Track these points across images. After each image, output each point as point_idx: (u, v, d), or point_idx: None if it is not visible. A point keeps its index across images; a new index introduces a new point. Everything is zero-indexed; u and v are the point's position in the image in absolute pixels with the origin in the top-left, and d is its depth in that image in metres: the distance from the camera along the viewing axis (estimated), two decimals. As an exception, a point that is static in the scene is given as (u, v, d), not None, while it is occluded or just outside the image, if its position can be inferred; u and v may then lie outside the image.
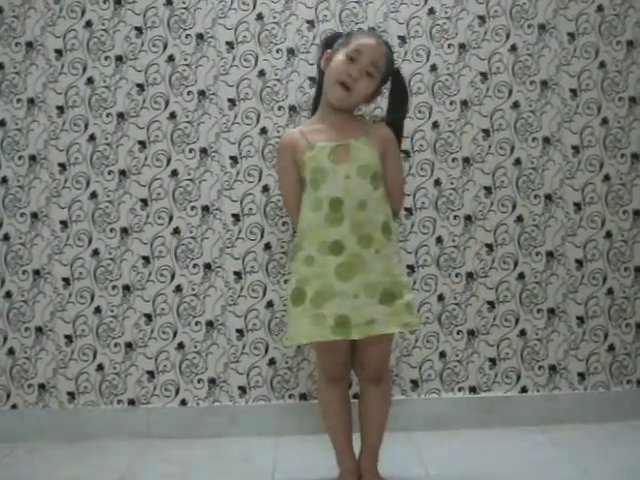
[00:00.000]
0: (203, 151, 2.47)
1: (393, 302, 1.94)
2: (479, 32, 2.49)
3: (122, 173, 2.47)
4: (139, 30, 2.47)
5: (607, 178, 2.52)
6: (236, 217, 2.48)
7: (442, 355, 2.52)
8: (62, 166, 2.47)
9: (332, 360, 2.02)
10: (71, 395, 2.49)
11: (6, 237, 2.47)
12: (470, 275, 2.51)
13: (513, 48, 2.49)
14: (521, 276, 2.51)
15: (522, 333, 2.52)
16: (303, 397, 2.50)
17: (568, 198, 2.52)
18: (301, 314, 1.93)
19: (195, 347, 2.49)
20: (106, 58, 2.47)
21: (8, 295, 2.48)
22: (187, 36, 2.47)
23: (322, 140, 1.97)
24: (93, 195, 2.47)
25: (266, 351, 2.50)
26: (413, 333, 2.49)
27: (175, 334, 2.49)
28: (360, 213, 1.92)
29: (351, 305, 1.90)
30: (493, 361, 2.52)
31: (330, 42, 2.07)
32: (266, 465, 2.22)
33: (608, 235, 2.52)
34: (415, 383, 2.52)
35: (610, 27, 2.50)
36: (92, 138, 2.47)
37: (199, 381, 2.50)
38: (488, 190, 2.50)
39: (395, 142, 2.07)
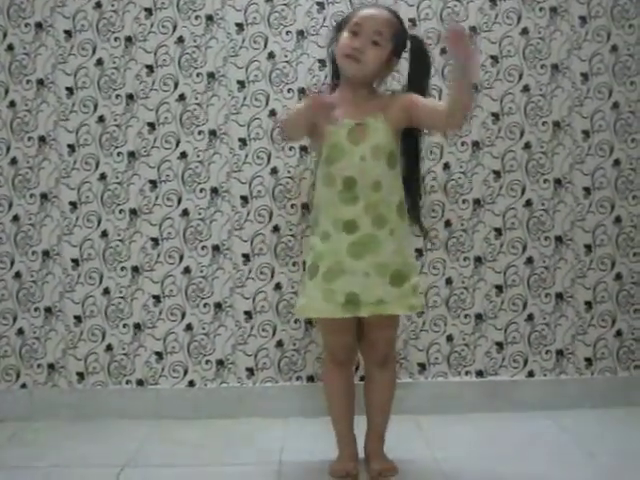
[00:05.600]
0: (212, 133, 2.47)
1: (402, 284, 1.94)
2: (490, 15, 2.47)
3: (131, 154, 2.47)
4: (149, 11, 2.46)
5: (617, 163, 2.51)
6: (244, 199, 2.48)
7: (449, 339, 2.52)
8: (71, 147, 2.47)
9: (337, 340, 2.02)
10: (80, 375, 2.51)
11: (15, 218, 2.48)
12: (478, 259, 2.51)
13: (524, 31, 2.47)
14: (529, 260, 2.51)
15: (530, 317, 2.52)
16: (310, 379, 2.51)
17: (578, 183, 2.51)
18: (314, 288, 1.94)
19: (203, 329, 2.50)
20: (115, 39, 2.46)
21: (18, 275, 2.50)
22: (197, 17, 2.46)
23: (343, 116, 1.94)
24: (102, 176, 2.48)
25: (274, 333, 2.50)
26: (420, 316, 2.49)
27: (183, 315, 2.50)
28: (374, 194, 1.92)
29: (361, 283, 1.90)
30: (500, 345, 2.53)
31: (340, 25, 2.06)
32: (273, 446, 2.24)
33: (617, 220, 2.52)
34: (422, 366, 2.52)
35: (622, 10, 2.48)
36: (101, 119, 2.47)
37: (207, 362, 2.51)
38: (497, 174, 2.50)
39: (415, 96, 1.99)
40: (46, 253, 2.49)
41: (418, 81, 2.04)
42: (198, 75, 2.47)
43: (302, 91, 2.45)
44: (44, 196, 2.48)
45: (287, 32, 2.46)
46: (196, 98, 2.47)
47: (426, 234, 2.44)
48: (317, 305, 1.94)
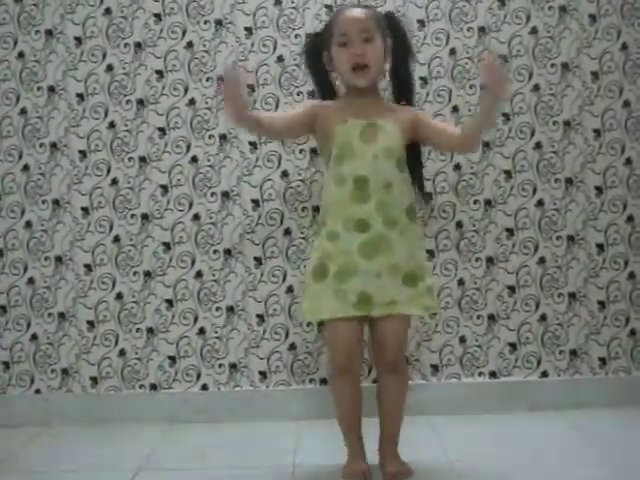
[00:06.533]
0: (222, 137, 2.48)
1: (416, 284, 1.94)
2: (499, 15, 2.47)
3: (142, 160, 2.48)
4: (158, 17, 2.47)
5: (629, 161, 2.50)
6: (256, 203, 2.48)
7: (462, 340, 2.51)
8: (82, 153, 2.48)
9: (343, 346, 1.98)
10: (94, 380, 2.52)
11: (28, 224, 2.50)
12: (490, 260, 2.50)
13: (533, 31, 2.47)
14: (542, 260, 2.50)
15: (543, 318, 2.51)
16: (323, 382, 2.51)
17: (589, 182, 2.50)
18: (324, 289, 1.93)
19: (216, 332, 2.51)
20: (125, 45, 2.47)
21: (31, 281, 2.51)
22: (206, 22, 2.47)
23: (354, 117, 1.96)
24: (114, 182, 2.49)
25: (286, 336, 2.51)
26: (433, 318, 2.49)
27: (196, 319, 2.51)
28: (386, 194, 1.92)
29: (374, 284, 1.90)
30: (513, 346, 2.52)
31: (315, 44, 2.08)
32: (287, 449, 2.24)
33: (630, 219, 2.50)
34: (435, 368, 2.52)
35: (632, 8, 2.47)
36: (112, 125, 2.48)
37: (220, 366, 2.51)
38: (508, 174, 2.49)
39: (423, 113, 2.07)
40: (59, 259, 2.50)
41: (401, 57, 2.05)
42: (208, 79, 2.48)
43: (311, 94, 2.45)
44: (56, 202, 2.50)
45: (296, 35, 2.46)
46: (206, 102, 2.48)
47: (428, 201, 2.42)
48: (328, 306, 1.93)
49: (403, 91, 2.08)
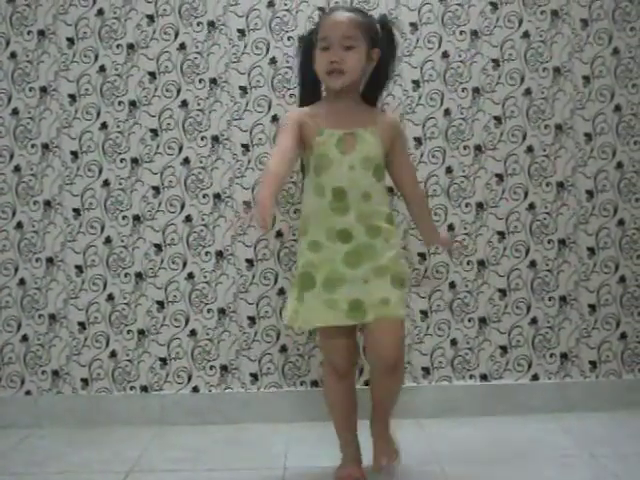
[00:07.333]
0: (214, 139, 2.48)
1: (402, 289, 1.93)
2: (491, 19, 2.47)
3: (134, 161, 2.48)
4: (150, 18, 2.47)
5: (620, 165, 2.51)
6: (247, 205, 2.48)
7: (453, 343, 2.52)
8: (74, 154, 2.48)
9: (338, 352, 1.99)
10: (84, 382, 2.51)
11: (19, 225, 2.49)
12: (482, 263, 2.50)
13: (525, 35, 2.48)
14: (533, 264, 2.51)
15: (533, 321, 2.52)
16: (315, 384, 2.50)
17: (580, 185, 2.51)
18: (313, 298, 1.91)
19: (207, 334, 2.50)
20: (118, 46, 2.47)
21: (22, 282, 2.50)
22: (198, 24, 2.46)
23: (330, 126, 1.93)
24: (105, 183, 2.48)
25: (278, 338, 2.50)
26: (423, 320, 2.49)
27: (187, 321, 2.50)
28: (365, 204, 1.91)
29: (362, 289, 1.88)
30: (504, 349, 2.52)
31: (307, 45, 2.05)
32: (278, 452, 2.24)
33: (620, 223, 2.51)
34: (426, 370, 2.52)
35: (624, 13, 2.48)
36: (104, 126, 2.48)
37: (211, 368, 2.51)
38: (500, 177, 2.50)
39: (403, 130, 2.09)
40: (50, 260, 2.50)
41: (385, 61, 2.02)
42: (200, 81, 2.48)
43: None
44: (47, 203, 2.49)
45: (289, 38, 2.46)
46: (198, 104, 2.48)
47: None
48: (320, 314, 1.91)
49: (372, 91, 2.07)
